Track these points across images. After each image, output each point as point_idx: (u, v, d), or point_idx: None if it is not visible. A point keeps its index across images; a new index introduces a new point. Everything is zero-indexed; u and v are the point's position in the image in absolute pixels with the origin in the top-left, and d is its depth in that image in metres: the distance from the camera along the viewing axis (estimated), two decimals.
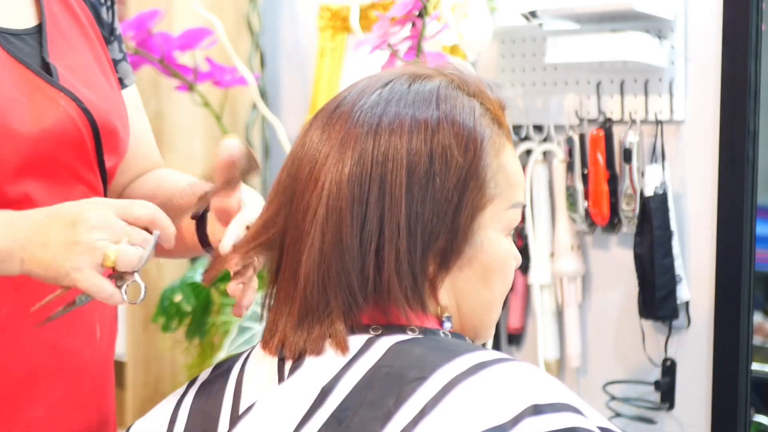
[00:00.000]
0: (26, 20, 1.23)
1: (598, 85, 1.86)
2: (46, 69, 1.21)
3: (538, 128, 1.95)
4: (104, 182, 1.26)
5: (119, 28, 1.38)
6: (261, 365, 0.97)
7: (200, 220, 1.15)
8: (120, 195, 1.38)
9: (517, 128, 1.95)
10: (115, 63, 1.36)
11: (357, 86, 0.98)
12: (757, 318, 2.09)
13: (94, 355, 1.25)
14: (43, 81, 1.18)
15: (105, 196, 1.25)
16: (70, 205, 1.03)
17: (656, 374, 1.83)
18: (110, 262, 0.99)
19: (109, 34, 1.35)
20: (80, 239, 0.99)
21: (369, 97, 0.95)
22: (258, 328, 2.00)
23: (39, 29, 1.23)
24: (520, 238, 1.93)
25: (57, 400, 1.20)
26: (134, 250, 1.00)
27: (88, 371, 1.24)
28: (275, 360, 0.95)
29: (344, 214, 0.91)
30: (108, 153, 1.24)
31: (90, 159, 1.22)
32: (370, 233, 0.91)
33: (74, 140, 1.19)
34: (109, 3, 1.35)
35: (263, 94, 2.26)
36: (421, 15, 1.67)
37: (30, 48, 1.21)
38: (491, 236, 0.96)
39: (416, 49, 1.67)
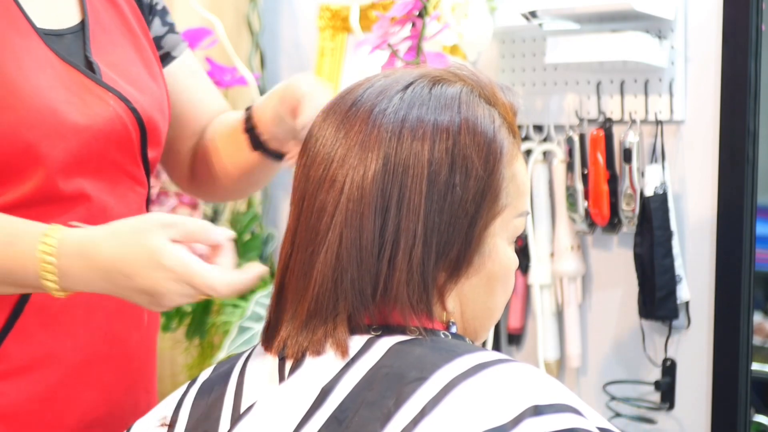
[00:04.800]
0: (69, 19, 1.25)
1: (598, 85, 1.86)
2: (89, 67, 1.23)
3: (538, 128, 1.95)
4: (147, 173, 1.30)
5: (162, 2, 1.39)
6: (262, 365, 0.97)
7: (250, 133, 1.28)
8: (195, 152, 1.42)
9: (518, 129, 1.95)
10: (159, 39, 1.37)
11: (373, 85, 0.96)
12: (757, 318, 2.08)
13: (141, 340, 1.32)
14: (90, 81, 1.21)
15: (148, 186, 1.32)
16: (147, 275, 1.05)
17: (656, 374, 1.83)
18: None
19: (148, 14, 1.36)
20: (163, 305, 1.07)
21: (390, 100, 0.94)
22: (258, 328, 2.00)
23: (82, 26, 1.25)
24: (520, 238, 1.93)
25: (110, 383, 1.27)
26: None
27: (136, 356, 1.31)
28: (276, 360, 0.95)
29: (366, 219, 0.90)
30: (151, 147, 1.29)
31: (135, 154, 1.26)
32: (387, 240, 0.91)
33: (122, 138, 1.23)
34: (160, 5, 1.38)
35: (263, 94, 2.25)
36: (421, 15, 1.67)
37: (73, 47, 1.23)
38: (498, 245, 0.96)
39: (416, 49, 1.67)
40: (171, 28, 1.40)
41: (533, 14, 1.79)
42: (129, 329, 1.29)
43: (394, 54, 1.67)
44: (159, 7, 1.39)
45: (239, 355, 1.02)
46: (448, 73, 0.98)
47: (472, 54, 1.86)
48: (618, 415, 1.86)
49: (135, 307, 1.27)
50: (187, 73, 1.41)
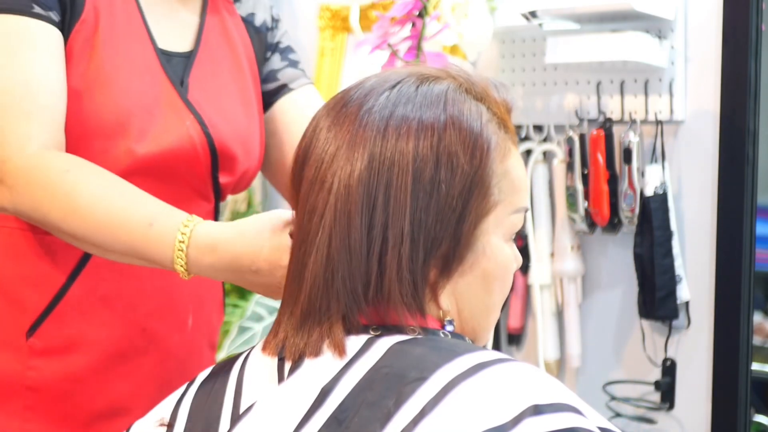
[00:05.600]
0: (184, 44, 1.34)
1: (598, 85, 1.86)
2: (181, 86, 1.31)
3: (538, 128, 1.95)
4: (216, 194, 1.36)
5: (286, 42, 1.47)
6: (261, 365, 0.97)
7: None
8: None
9: (517, 128, 1.95)
10: (275, 72, 1.45)
11: (364, 85, 0.97)
12: (757, 318, 2.09)
13: (183, 342, 1.37)
14: (178, 97, 1.29)
15: (216, 203, 1.38)
16: (272, 273, 1.14)
17: (656, 374, 1.83)
18: None
19: (266, 52, 1.45)
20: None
21: (377, 99, 0.94)
22: (258, 328, 2.01)
23: (192, 53, 1.34)
24: (520, 238, 1.93)
25: (143, 378, 1.33)
26: None
27: (175, 355, 1.36)
28: (275, 360, 0.95)
29: (354, 217, 0.91)
30: (223, 173, 1.34)
31: (203, 174, 1.32)
32: (375, 238, 0.91)
33: (190, 158, 1.29)
34: (273, 25, 1.46)
35: None
36: (421, 15, 1.67)
37: (176, 68, 1.32)
38: (493, 242, 0.95)
39: (416, 49, 1.67)
40: (291, 64, 1.47)
41: (533, 14, 1.79)
42: (170, 330, 1.35)
43: (394, 54, 1.67)
44: (282, 46, 1.47)
45: (238, 355, 1.02)
46: (438, 71, 0.98)
47: (472, 54, 1.86)
48: (618, 415, 1.86)
49: (178, 310, 1.35)
50: (302, 106, 1.46)
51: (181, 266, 1.14)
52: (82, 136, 1.23)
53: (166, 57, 1.31)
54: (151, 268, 1.20)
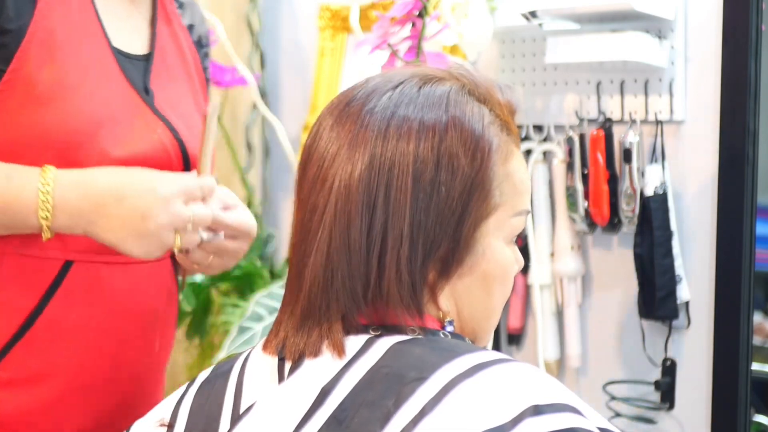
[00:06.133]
0: (140, 47, 1.33)
1: (598, 85, 1.86)
2: (146, 93, 1.30)
3: (538, 128, 1.95)
4: None
5: (209, 75, 1.50)
6: (261, 365, 0.97)
7: None
8: None
9: (517, 128, 1.95)
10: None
11: (368, 85, 0.97)
12: (757, 318, 2.08)
13: (150, 365, 1.35)
14: (145, 105, 1.27)
15: None
16: (140, 195, 1.14)
17: (656, 374, 1.83)
18: (177, 248, 1.17)
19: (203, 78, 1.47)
20: (150, 233, 1.13)
21: (379, 99, 0.94)
22: (258, 328, 2.00)
23: (148, 57, 1.33)
24: (520, 238, 1.93)
25: (110, 407, 1.29)
26: (196, 235, 1.19)
27: (141, 380, 1.33)
28: (275, 360, 0.95)
29: (354, 218, 0.91)
30: None
31: None
32: (375, 238, 0.91)
33: (162, 167, 1.26)
34: (205, 51, 1.48)
35: (263, 94, 2.26)
36: (421, 15, 1.66)
37: (136, 73, 1.30)
38: (493, 244, 0.95)
39: (416, 49, 1.67)
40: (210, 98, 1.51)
41: (533, 14, 1.79)
42: (139, 356, 1.32)
43: (394, 54, 1.67)
44: (207, 75, 1.49)
45: (239, 355, 1.02)
46: (441, 72, 0.98)
47: (472, 54, 1.86)
48: (618, 415, 1.85)
49: (148, 336, 1.32)
50: None
51: (47, 211, 1.13)
52: (51, 144, 1.20)
53: (123, 57, 1.28)
54: (104, 280, 1.20)
